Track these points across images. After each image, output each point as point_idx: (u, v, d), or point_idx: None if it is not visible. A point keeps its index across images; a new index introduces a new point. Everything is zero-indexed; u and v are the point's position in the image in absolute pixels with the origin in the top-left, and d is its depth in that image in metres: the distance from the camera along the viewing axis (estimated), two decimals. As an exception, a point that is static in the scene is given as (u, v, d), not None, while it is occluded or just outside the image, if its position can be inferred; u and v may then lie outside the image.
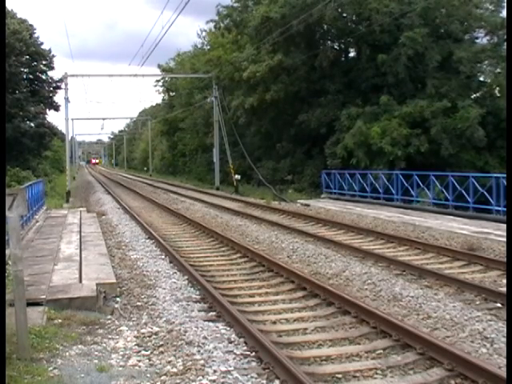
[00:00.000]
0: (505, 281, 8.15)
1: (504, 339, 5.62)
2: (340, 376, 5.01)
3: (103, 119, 68.53)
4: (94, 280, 7.74)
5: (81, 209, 19.95)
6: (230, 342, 5.72)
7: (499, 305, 7.03)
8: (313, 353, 5.59)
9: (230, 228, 14.94)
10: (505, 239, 10.93)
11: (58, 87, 37.10)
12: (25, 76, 36.32)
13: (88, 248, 10.75)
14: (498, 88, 24.24)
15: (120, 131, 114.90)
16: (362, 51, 25.90)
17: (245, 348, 5.57)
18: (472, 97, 24.47)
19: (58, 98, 41.33)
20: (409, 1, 24.93)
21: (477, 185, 16.14)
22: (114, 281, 7.96)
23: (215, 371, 4.93)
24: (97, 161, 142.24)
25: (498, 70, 23.66)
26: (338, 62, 28.06)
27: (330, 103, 26.66)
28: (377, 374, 5.07)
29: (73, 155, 62.80)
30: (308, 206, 20.47)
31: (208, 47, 43.45)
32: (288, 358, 5.09)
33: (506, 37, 21.62)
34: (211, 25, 34.16)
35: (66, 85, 31.27)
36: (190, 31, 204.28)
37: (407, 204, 18.97)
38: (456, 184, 16.94)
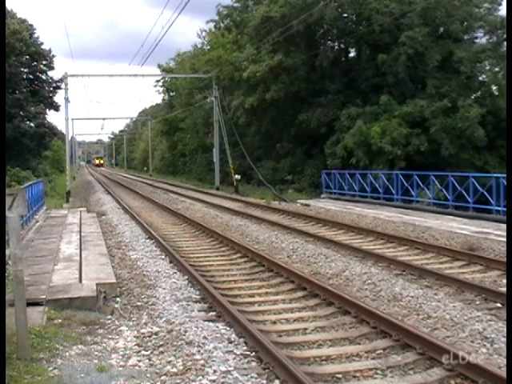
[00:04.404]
0: (505, 281, 8.14)
1: (504, 339, 5.62)
2: (340, 376, 5.01)
3: (103, 119, 68.65)
4: (94, 280, 7.74)
5: (81, 209, 19.94)
6: (230, 342, 5.72)
7: (499, 305, 7.02)
8: (313, 353, 5.59)
9: (230, 228, 14.94)
10: (505, 239, 10.92)
11: (58, 87, 37.16)
12: (25, 76, 36.35)
13: (88, 248, 10.75)
14: (496, 87, 24.29)
15: (120, 131, 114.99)
16: (362, 51, 25.92)
17: (245, 348, 5.57)
18: (472, 97, 24.47)
19: (58, 98, 41.46)
20: (409, 1, 24.93)
21: (477, 185, 16.13)
22: (114, 281, 7.96)
23: (215, 371, 4.93)
24: (101, 161, 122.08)
25: (497, 69, 23.67)
26: (338, 62, 28.08)
27: (329, 103, 26.68)
28: (377, 374, 5.07)
29: (73, 155, 62.85)
30: (308, 206, 20.47)
31: (208, 47, 43.47)
32: (288, 357, 5.09)
33: (505, 36, 21.64)
34: (211, 25, 34.25)
35: (66, 85, 31.26)
36: (187, 30, 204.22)
37: (407, 204, 18.97)
38: (456, 184, 16.95)
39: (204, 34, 44.15)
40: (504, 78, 21.37)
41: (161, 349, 5.60)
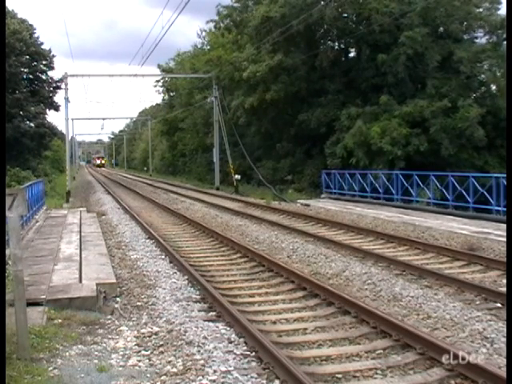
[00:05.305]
0: (505, 281, 8.14)
1: (504, 339, 5.61)
2: (340, 376, 5.01)
3: (103, 119, 68.57)
4: (94, 280, 7.74)
5: (81, 209, 19.94)
6: (230, 342, 5.72)
7: (499, 305, 7.02)
8: (313, 353, 5.59)
9: (230, 228, 14.94)
10: (505, 239, 10.92)
11: (58, 87, 37.16)
12: (25, 76, 36.35)
13: (88, 248, 10.75)
14: (495, 87, 24.31)
15: (120, 131, 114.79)
16: (362, 51, 25.90)
17: (245, 348, 5.57)
18: (472, 97, 24.48)
19: (58, 98, 41.42)
20: (409, 1, 24.94)
21: (477, 185, 16.13)
22: (114, 281, 7.97)
23: (215, 371, 4.93)
24: (103, 161, 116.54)
25: (496, 69, 23.68)
26: (338, 62, 28.07)
27: (329, 103, 26.67)
28: (377, 374, 5.06)
29: (73, 155, 62.84)
30: (308, 206, 20.47)
31: (208, 47, 43.48)
32: (288, 357, 5.09)
33: (505, 36, 21.64)
34: (211, 25, 34.28)
35: (66, 85, 31.25)
36: (187, 30, 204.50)
37: (407, 204, 18.97)
38: (456, 184, 16.95)
39: (204, 34, 44.23)
40: (504, 78, 21.37)
41: (161, 349, 5.59)
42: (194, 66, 41.69)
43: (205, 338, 5.83)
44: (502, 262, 8.99)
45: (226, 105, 31.98)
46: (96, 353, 5.52)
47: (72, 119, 63.32)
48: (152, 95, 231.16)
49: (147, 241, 12.79)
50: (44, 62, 37.05)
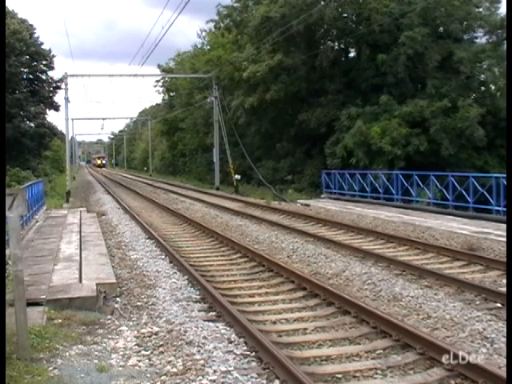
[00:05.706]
0: (505, 281, 8.14)
1: (504, 339, 5.61)
2: (340, 376, 5.01)
3: (103, 119, 68.73)
4: (94, 280, 7.74)
5: (81, 209, 19.94)
6: (230, 342, 5.72)
7: (499, 305, 7.02)
8: (313, 353, 5.59)
9: (230, 228, 14.94)
10: (505, 239, 10.92)
11: (58, 87, 37.19)
12: (25, 76, 36.39)
13: (88, 248, 10.75)
14: (494, 87, 24.32)
15: (120, 131, 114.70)
16: (362, 51, 25.92)
17: (245, 348, 5.57)
18: (472, 96, 24.48)
19: (58, 98, 41.44)
20: (409, 1, 24.96)
21: (477, 185, 16.13)
22: (114, 281, 7.96)
23: (215, 371, 4.93)
24: (103, 161, 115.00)
25: (495, 69, 23.69)
26: (338, 62, 28.09)
27: (329, 103, 26.69)
28: (377, 374, 5.06)
29: (73, 155, 62.84)
30: (308, 206, 20.47)
31: (208, 47, 43.49)
32: (288, 357, 5.09)
33: (505, 36, 21.64)
34: (211, 25, 34.28)
35: (66, 85, 31.27)
36: (187, 30, 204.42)
37: (407, 204, 18.97)
38: (456, 184, 16.95)
39: (204, 33, 44.24)
40: (504, 78, 21.37)
41: (161, 349, 5.59)
42: (193, 66, 41.71)
43: (205, 338, 5.83)
44: (502, 262, 8.99)
45: (226, 105, 31.98)
46: (96, 353, 5.52)
47: (72, 119, 63.44)
48: (152, 95, 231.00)
49: (147, 241, 12.79)
50: (44, 62, 37.08)
